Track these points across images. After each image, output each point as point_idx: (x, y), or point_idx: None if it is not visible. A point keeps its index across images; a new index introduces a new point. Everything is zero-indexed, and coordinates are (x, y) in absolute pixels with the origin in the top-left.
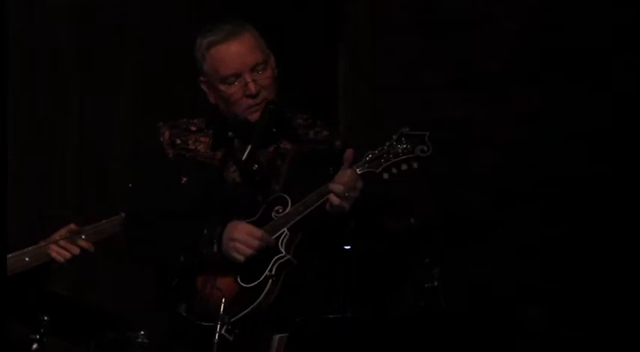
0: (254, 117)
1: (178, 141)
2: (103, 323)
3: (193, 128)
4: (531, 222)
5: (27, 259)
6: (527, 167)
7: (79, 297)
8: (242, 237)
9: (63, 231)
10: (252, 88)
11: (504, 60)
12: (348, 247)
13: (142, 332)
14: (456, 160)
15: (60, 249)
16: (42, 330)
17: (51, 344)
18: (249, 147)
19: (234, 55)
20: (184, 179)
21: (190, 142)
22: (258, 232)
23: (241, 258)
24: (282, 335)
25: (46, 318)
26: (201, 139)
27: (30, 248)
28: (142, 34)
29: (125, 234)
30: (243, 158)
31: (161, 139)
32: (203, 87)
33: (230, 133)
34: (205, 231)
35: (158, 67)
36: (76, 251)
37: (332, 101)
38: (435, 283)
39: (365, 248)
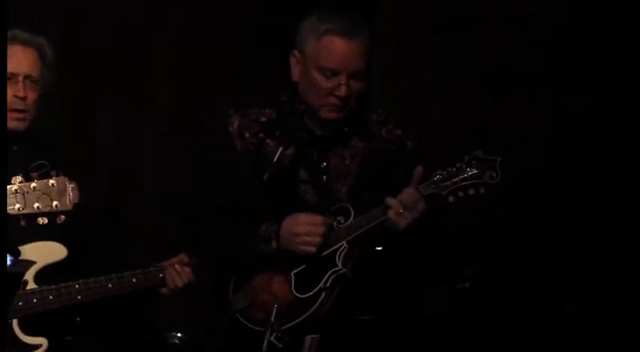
0: (328, 115)
1: (247, 135)
2: (138, 324)
3: (263, 119)
4: (559, 223)
5: (134, 280)
6: (555, 168)
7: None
8: (305, 229)
9: (175, 260)
10: (343, 91)
11: (534, 61)
12: (380, 248)
13: (177, 334)
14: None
15: (176, 274)
16: (76, 332)
17: (85, 345)
18: (280, 148)
19: (344, 54)
20: (252, 174)
21: (260, 135)
22: (317, 218)
23: (313, 250)
24: (313, 335)
25: (79, 320)
26: (271, 132)
27: (139, 270)
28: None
29: (185, 226)
30: (275, 159)
31: (230, 129)
32: (292, 60)
33: (277, 132)
34: (263, 228)
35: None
36: (186, 279)
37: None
38: (467, 284)
39: (400, 248)
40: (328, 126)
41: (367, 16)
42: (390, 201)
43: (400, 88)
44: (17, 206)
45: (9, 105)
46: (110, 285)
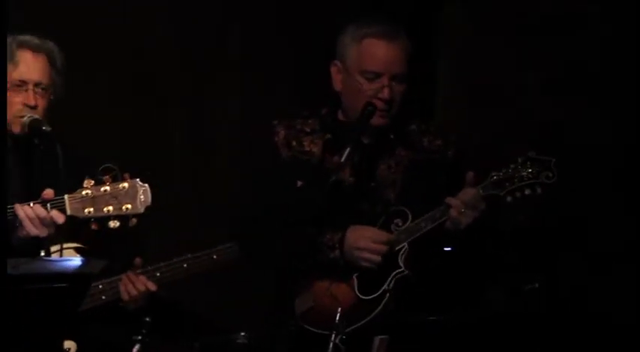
0: (374, 121)
1: (294, 143)
2: (205, 325)
3: (308, 129)
4: (621, 224)
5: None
6: (617, 169)
7: (181, 299)
8: (367, 245)
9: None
10: (387, 93)
11: (599, 62)
12: (449, 249)
13: (243, 334)
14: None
15: (129, 283)
16: (144, 331)
17: (153, 346)
18: (348, 148)
19: (386, 56)
20: (299, 182)
21: (306, 144)
22: (382, 236)
23: (372, 266)
24: (382, 336)
25: (148, 319)
26: (316, 141)
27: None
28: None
29: (238, 235)
30: (342, 159)
31: (275, 139)
32: (333, 71)
33: (328, 135)
34: (327, 236)
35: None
36: (142, 287)
37: (429, 102)
38: (536, 285)
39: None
40: (375, 133)
41: (432, 18)
42: (451, 200)
43: (466, 89)
44: (87, 210)
45: (18, 113)
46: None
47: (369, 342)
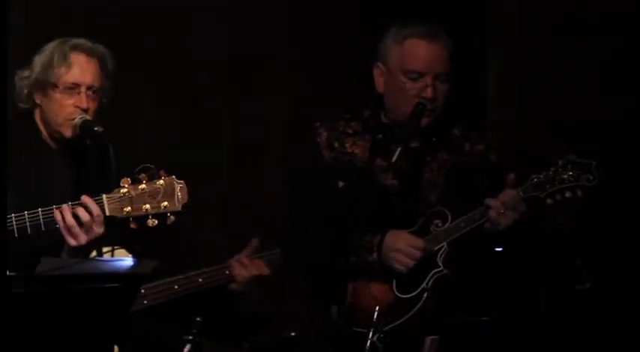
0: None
1: (336, 145)
2: (255, 324)
3: (350, 131)
4: None
5: (200, 280)
6: None
7: (231, 298)
8: (404, 247)
9: (245, 253)
10: (430, 92)
11: None
12: (500, 249)
13: (293, 333)
14: (600, 162)
15: (242, 267)
16: (194, 331)
17: (204, 346)
18: (399, 148)
19: (428, 55)
20: (341, 184)
21: (348, 146)
22: (419, 243)
23: (403, 270)
24: (433, 336)
25: (198, 319)
26: (359, 143)
27: (206, 269)
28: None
29: (281, 235)
30: (393, 159)
31: (317, 140)
32: (375, 73)
33: (379, 136)
34: (366, 238)
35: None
36: (257, 271)
37: (480, 101)
38: (587, 285)
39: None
40: (418, 136)
41: (478, 19)
42: (491, 201)
43: (514, 89)
44: (126, 209)
45: (69, 116)
46: (201, 280)
47: (407, 341)
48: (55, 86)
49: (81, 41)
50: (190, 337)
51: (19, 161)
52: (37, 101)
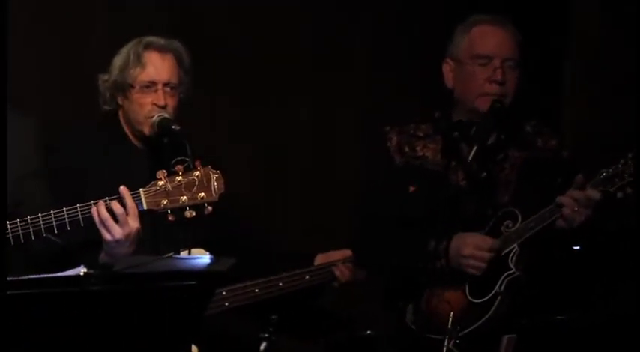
0: (486, 106)
1: (407, 149)
2: (332, 322)
3: (421, 134)
4: None
5: (307, 277)
6: None
7: (309, 296)
8: (472, 252)
9: (348, 252)
10: (499, 74)
11: None
12: (577, 248)
13: (369, 332)
14: None
15: (345, 270)
16: (271, 329)
17: (280, 343)
18: (475, 147)
19: (496, 39)
20: (412, 188)
21: (418, 149)
22: (486, 243)
23: (477, 273)
24: (510, 335)
25: (274, 317)
26: (430, 145)
27: (312, 267)
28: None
29: (354, 239)
30: (469, 158)
31: (388, 144)
32: (445, 69)
33: (456, 133)
34: (432, 245)
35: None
36: (356, 276)
37: (555, 101)
38: None
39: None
40: (494, 132)
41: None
42: (563, 199)
43: (597, 88)
44: (163, 202)
45: (148, 114)
46: (281, 284)
47: (483, 345)
48: (132, 87)
49: (154, 39)
50: (266, 335)
51: (106, 162)
52: (119, 102)
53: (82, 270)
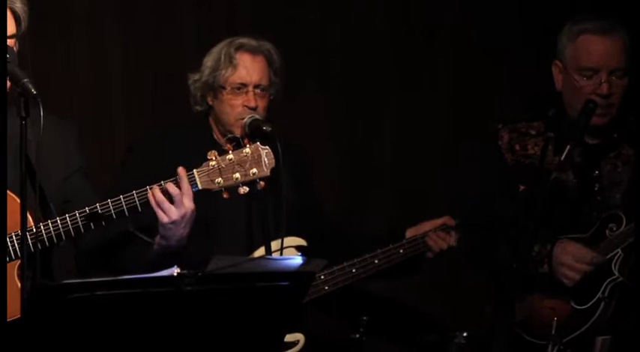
0: (594, 120)
1: (517, 147)
2: (424, 324)
3: (533, 132)
4: None
5: (401, 251)
6: None
7: (399, 298)
8: (570, 262)
9: (439, 222)
10: (605, 88)
11: None
12: None
13: (463, 334)
14: None
15: (439, 239)
16: (362, 330)
17: (371, 345)
18: (568, 147)
19: (601, 51)
20: (522, 187)
21: (529, 147)
22: (587, 257)
23: (569, 284)
24: (605, 337)
25: (365, 318)
26: (540, 144)
27: (404, 241)
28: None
29: (457, 238)
30: (562, 158)
31: (499, 143)
32: (554, 70)
33: (550, 134)
34: (536, 249)
35: (470, 67)
36: (449, 243)
37: None
38: None
39: None
40: (598, 133)
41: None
42: None
43: None
44: (217, 181)
45: (239, 116)
46: (376, 261)
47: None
48: (223, 88)
49: (244, 40)
50: (357, 335)
51: (195, 162)
52: (210, 103)
53: (175, 271)
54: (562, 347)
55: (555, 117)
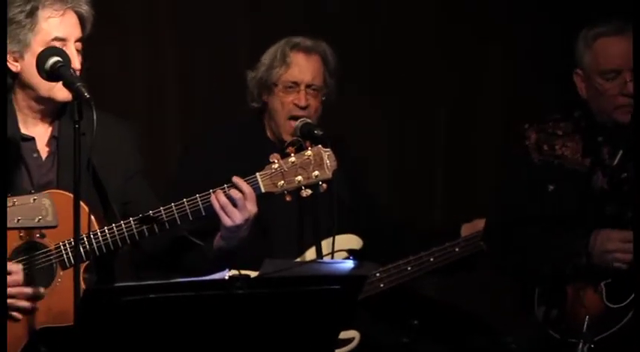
0: (624, 118)
1: (545, 147)
2: (473, 328)
3: (560, 132)
4: None
5: (457, 250)
6: None
7: (450, 301)
8: (618, 245)
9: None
10: (631, 87)
11: None
12: None
13: (510, 338)
14: None
15: None
16: (412, 334)
17: (422, 348)
18: (621, 152)
19: (621, 51)
20: (551, 187)
21: (557, 147)
22: (629, 234)
23: (624, 267)
24: None
25: (415, 322)
26: (568, 144)
27: (460, 239)
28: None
29: (488, 239)
30: (615, 163)
31: (527, 143)
32: (576, 79)
33: (600, 138)
34: (572, 242)
35: (523, 66)
36: None
37: None
38: None
39: None
40: (624, 132)
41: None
42: None
43: None
44: (280, 184)
45: (288, 114)
46: (432, 259)
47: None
48: (275, 85)
49: (299, 39)
50: (407, 340)
51: (245, 160)
52: (264, 99)
53: (227, 274)
54: (592, 346)
55: (582, 118)
